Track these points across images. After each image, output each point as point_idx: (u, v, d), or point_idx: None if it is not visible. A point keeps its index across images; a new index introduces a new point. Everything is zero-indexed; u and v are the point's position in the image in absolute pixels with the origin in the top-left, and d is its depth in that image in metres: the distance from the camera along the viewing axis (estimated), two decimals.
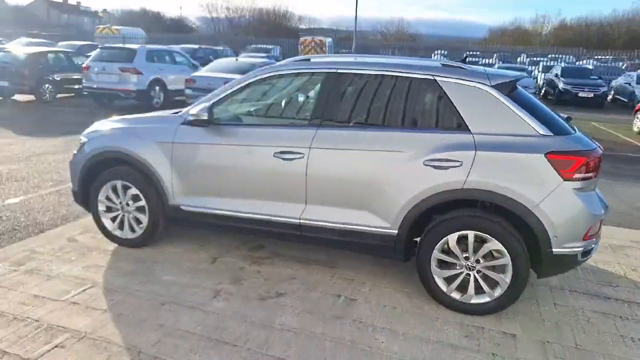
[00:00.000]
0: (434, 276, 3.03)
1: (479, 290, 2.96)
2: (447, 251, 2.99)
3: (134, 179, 3.64)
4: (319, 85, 3.29)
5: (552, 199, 2.72)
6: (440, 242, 2.96)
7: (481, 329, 2.87)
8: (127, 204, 3.75)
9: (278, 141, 3.23)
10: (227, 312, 2.96)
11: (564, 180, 2.72)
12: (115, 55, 11.95)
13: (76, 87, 13.36)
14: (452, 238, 2.93)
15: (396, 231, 3.04)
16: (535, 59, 35.10)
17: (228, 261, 3.67)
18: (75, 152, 3.91)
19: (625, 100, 17.88)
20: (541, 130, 2.82)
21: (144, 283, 3.27)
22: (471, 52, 40.54)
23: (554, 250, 2.77)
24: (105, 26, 30.47)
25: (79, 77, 12.91)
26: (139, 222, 3.76)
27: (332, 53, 27.29)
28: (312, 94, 3.43)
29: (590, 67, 22.09)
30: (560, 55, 39.00)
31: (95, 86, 11.84)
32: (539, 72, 22.97)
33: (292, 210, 3.27)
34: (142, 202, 3.67)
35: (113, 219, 3.84)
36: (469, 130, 2.89)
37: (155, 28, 47.32)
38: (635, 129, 11.73)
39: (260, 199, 3.34)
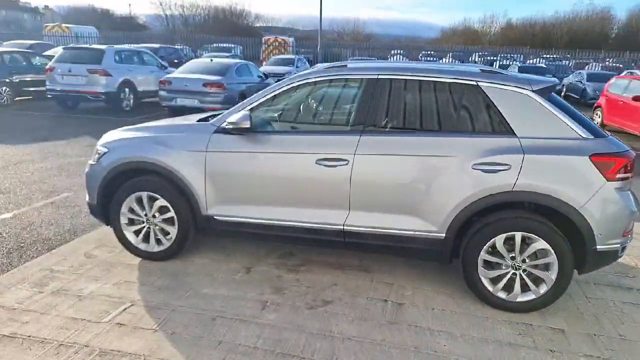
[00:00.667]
0: (481, 277, 3.11)
1: (524, 289, 3.06)
2: (493, 252, 3.07)
3: (162, 189, 3.50)
4: (359, 91, 3.28)
5: (597, 199, 2.86)
6: (488, 243, 3.03)
7: (530, 326, 2.98)
8: (154, 216, 3.59)
9: (320, 148, 3.19)
10: (281, 323, 2.90)
11: (607, 181, 2.86)
12: (81, 56, 11.38)
13: (35, 89, 12.61)
14: (500, 239, 3.01)
15: (444, 234, 3.09)
16: (488, 58, 36.54)
17: (262, 270, 3.60)
18: (92, 162, 3.70)
19: (577, 97, 18.91)
20: (583, 133, 2.95)
21: (184, 298, 3.15)
22: (427, 52, 41.63)
23: (598, 247, 2.91)
24: (55, 24, 28.90)
25: (39, 78, 12.20)
26: (166, 234, 3.62)
27: (294, 53, 27.23)
28: (351, 100, 3.41)
29: (544, 65, 23.22)
30: (512, 55, 40.70)
31: (60, 89, 11.21)
32: None
33: (335, 217, 3.25)
34: (171, 214, 3.53)
35: (137, 232, 3.67)
36: (515, 134, 2.98)
37: (105, 26, 45.35)
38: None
39: (302, 206, 3.30)
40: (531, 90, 3.02)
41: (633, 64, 29.12)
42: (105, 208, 3.69)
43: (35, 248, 3.90)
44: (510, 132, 2.99)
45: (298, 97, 3.50)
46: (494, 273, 3.10)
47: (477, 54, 42.75)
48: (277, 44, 29.90)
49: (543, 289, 3.04)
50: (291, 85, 3.36)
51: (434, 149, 3.05)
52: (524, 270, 3.05)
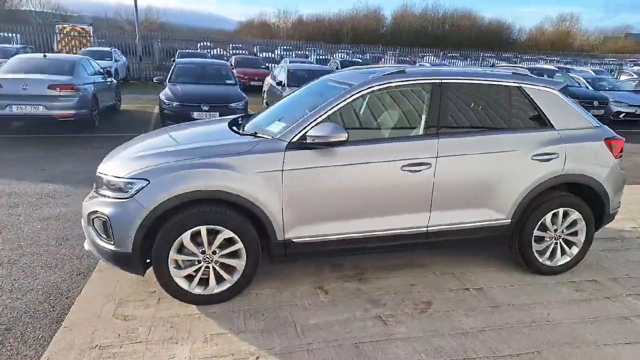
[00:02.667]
0: (534, 251, 3.64)
1: (562, 253, 3.73)
2: (541, 228, 3.62)
3: (227, 220, 3.01)
4: (426, 95, 3.39)
5: (611, 174, 3.66)
6: (540, 222, 3.57)
7: (575, 283, 3.65)
8: (214, 252, 3.06)
9: (404, 154, 3.23)
10: (415, 332, 2.91)
11: (615, 159, 3.68)
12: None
13: None
14: (548, 216, 3.58)
15: (510, 220, 3.50)
16: (291, 52, 38.44)
17: (337, 287, 3.45)
18: (122, 198, 2.92)
19: None
20: (594, 123, 3.71)
21: (302, 333, 2.85)
22: (235, 45, 41.66)
23: (611, 210, 3.74)
24: None
25: None
26: (230, 270, 3.13)
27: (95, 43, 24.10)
28: (415, 104, 3.47)
29: (359, 60, 25.91)
30: (312, 49, 43.79)
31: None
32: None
33: (419, 220, 3.35)
34: (237, 246, 3.07)
35: (189, 277, 3.07)
36: (554, 128, 3.56)
37: None
38: None
39: (387, 214, 3.28)
40: (557, 90, 3.64)
41: (418, 60, 34.95)
42: (144, 256, 2.98)
43: (46, 322, 2.88)
44: (550, 126, 3.56)
45: (364, 104, 3.41)
46: (542, 246, 3.67)
47: (281, 47, 44.80)
48: (75, 33, 25.87)
49: (575, 251, 3.74)
50: (360, 93, 3.26)
51: (501, 145, 3.41)
52: (563, 239, 3.69)
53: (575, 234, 3.71)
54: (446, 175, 3.30)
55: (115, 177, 3.00)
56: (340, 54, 36.87)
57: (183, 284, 3.06)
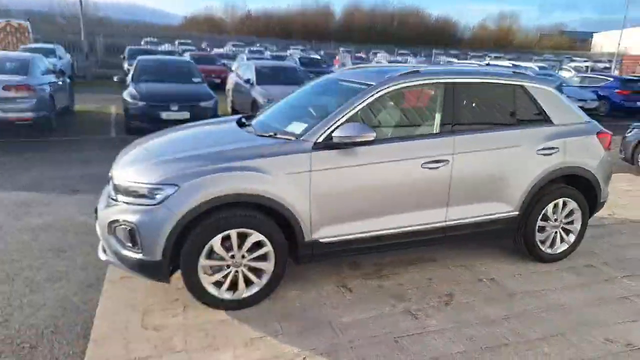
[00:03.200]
0: (537, 241, 3.87)
1: (562, 241, 3.98)
2: (543, 219, 3.85)
3: (255, 222, 2.98)
4: (440, 94, 3.50)
5: (601, 165, 3.95)
6: (542, 212, 3.80)
7: (574, 268, 3.91)
8: (243, 256, 3.02)
9: (424, 152, 3.32)
10: (446, 324, 3.02)
11: (605, 150, 3.97)
12: None
13: None
14: (550, 207, 3.82)
15: (517, 212, 3.70)
16: (247, 48, 37.92)
17: (359, 284, 3.51)
18: (150, 205, 2.82)
19: None
20: (585, 118, 3.98)
21: (339, 332, 2.88)
22: (182, 41, 40.47)
23: (601, 199, 4.03)
24: None
25: None
26: (258, 273, 3.11)
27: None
28: (430, 102, 3.57)
29: (319, 57, 25.97)
30: (264, 45, 43.33)
31: None
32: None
33: (437, 215, 3.46)
34: (266, 248, 3.05)
35: (217, 283, 3.02)
36: (553, 123, 3.79)
37: None
38: None
39: (407, 211, 3.37)
40: (553, 87, 3.87)
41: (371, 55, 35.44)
42: (172, 263, 2.90)
43: (58, 341, 2.73)
44: (550, 122, 3.78)
45: (382, 104, 3.46)
46: (544, 235, 3.90)
47: (231, 43, 44.08)
48: (10, 29, 24.16)
49: (572, 238, 4.01)
50: (380, 93, 3.31)
51: (509, 141, 3.59)
52: (562, 228, 3.95)
53: (572, 222, 3.97)
54: (462, 171, 3.44)
55: (140, 183, 2.89)
56: (293, 50, 36.74)
57: (212, 289, 3.01)
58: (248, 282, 3.10)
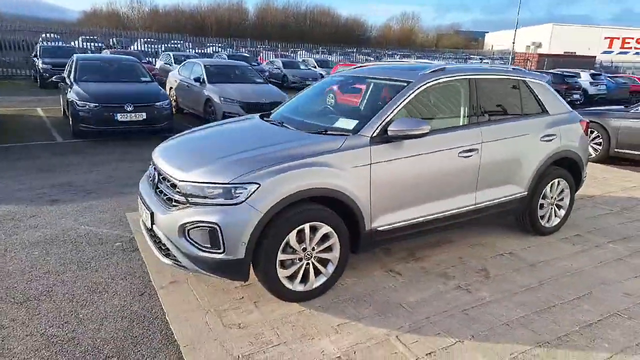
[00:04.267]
0: (539, 217, 4.41)
1: (555, 216, 4.56)
2: (544, 197, 4.40)
3: (325, 215, 3.11)
4: (465, 88, 3.84)
5: (583, 147, 4.59)
6: (542, 192, 4.34)
7: (567, 239, 4.51)
8: (313, 248, 3.14)
9: (459, 142, 3.66)
10: (496, 295, 3.38)
11: (585, 135, 4.62)
12: None
13: None
14: (548, 187, 4.37)
15: (526, 192, 4.19)
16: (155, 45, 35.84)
17: (401, 269, 3.76)
18: (232, 204, 2.82)
19: (279, 82, 22.25)
20: (568, 108, 4.59)
21: (412, 309, 3.11)
22: (88, 38, 37.62)
23: (583, 176, 4.68)
24: None
25: None
26: (325, 264, 3.24)
27: None
28: (455, 96, 3.88)
29: (247, 55, 25.60)
30: (180, 42, 41.69)
31: None
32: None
33: (469, 199, 3.82)
34: (332, 240, 3.19)
35: (291, 276, 3.11)
36: (549, 113, 4.33)
37: None
38: None
39: (446, 197, 3.68)
40: (545, 81, 4.42)
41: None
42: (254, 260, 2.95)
43: (143, 352, 2.65)
44: (547, 112, 4.32)
45: (420, 99, 3.71)
46: (543, 212, 4.45)
47: (141, 39, 41.86)
48: None
49: (563, 213, 4.61)
50: (420, 89, 3.57)
51: (521, 130, 4.05)
52: (555, 204, 4.53)
53: (562, 199, 4.57)
54: (487, 158, 3.83)
55: (216, 183, 2.88)
56: (213, 48, 35.79)
57: (287, 283, 3.08)
58: (317, 273, 3.21)
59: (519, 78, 4.23)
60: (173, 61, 19.59)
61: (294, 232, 3.00)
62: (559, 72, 19.51)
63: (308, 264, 3.15)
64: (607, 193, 6.15)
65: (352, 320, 2.99)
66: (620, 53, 60.33)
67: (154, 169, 3.46)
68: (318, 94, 4.53)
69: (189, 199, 2.94)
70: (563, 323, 3.04)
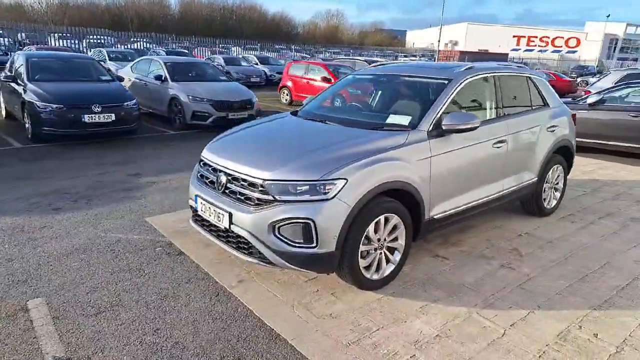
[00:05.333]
0: (543, 200, 4.93)
1: (550, 200, 5.12)
2: (547, 182, 4.93)
3: (396, 207, 3.32)
4: (489, 85, 4.20)
5: (573, 135, 5.19)
6: (547, 177, 4.87)
7: (564, 217, 5.09)
8: (385, 239, 3.34)
9: (493, 134, 4.02)
10: (533, 270, 3.80)
11: (574, 125, 5.22)
12: None
13: None
14: (550, 173, 4.92)
15: (536, 178, 4.68)
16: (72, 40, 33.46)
17: (445, 253, 4.06)
18: (324, 200, 2.93)
19: None
20: (561, 101, 5.16)
21: (481, 292, 3.42)
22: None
23: (573, 164, 5.30)
24: None
25: None
26: (392, 253, 3.44)
27: None
28: (484, 93, 4.21)
29: (186, 50, 24.67)
30: (102, 36, 39.26)
31: None
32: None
33: (499, 186, 4.22)
34: (401, 229, 3.41)
35: (367, 266, 3.28)
36: (549, 107, 4.86)
37: None
38: (284, 100, 15.54)
39: (484, 184, 4.03)
40: (543, 78, 4.94)
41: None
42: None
43: (262, 351, 2.70)
44: (548, 105, 4.84)
45: (459, 95, 3.99)
46: (545, 195, 4.98)
47: (56, 34, 38.91)
48: None
49: (558, 195, 5.19)
50: (461, 86, 3.87)
51: (534, 122, 4.52)
52: (553, 188, 5.09)
53: (558, 183, 5.14)
54: (512, 148, 4.24)
55: (308, 180, 2.97)
56: (139, 43, 34.07)
57: (365, 272, 3.25)
58: (387, 262, 3.40)
59: (526, 75, 4.71)
60: (107, 58, 18.54)
61: (373, 223, 3.16)
62: None
63: (381, 253, 3.33)
64: (573, 177, 6.90)
65: (430, 302, 3.23)
66: (527, 50, 66.06)
67: (216, 169, 3.44)
68: (364, 92, 4.70)
69: (277, 196, 3.00)
70: (602, 289, 3.50)
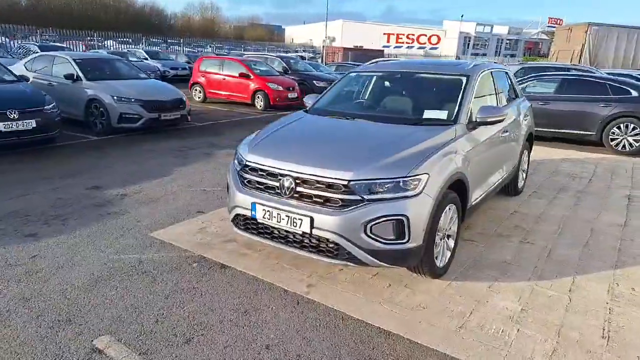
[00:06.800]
0: (519, 180, 5.57)
1: (520, 180, 5.82)
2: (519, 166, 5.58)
3: (454, 196, 3.53)
4: (490, 80, 4.59)
5: (533, 121, 5.94)
6: (521, 160, 5.52)
7: (531, 195, 5.81)
8: (446, 228, 3.54)
9: (501, 124, 4.44)
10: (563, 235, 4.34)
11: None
12: None
13: None
14: (523, 157, 5.57)
15: (517, 162, 5.28)
16: None
17: (471, 235, 4.40)
18: (412, 195, 3.01)
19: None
20: (521, 93, 5.86)
21: (516, 262, 3.80)
22: None
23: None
24: None
25: None
26: (448, 240, 3.66)
27: None
28: (489, 87, 4.55)
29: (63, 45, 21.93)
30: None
31: None
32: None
33: (502, 171, 4.68)
34: (455, 218, 3.63)
35: (436, 256, 3.45)
36: (519, 97, 5.49)
37: None
38: (197, 98, 14.81)
39: (496, 170, 4.45)
40: (510, 71, 5.56)
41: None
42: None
43: (389, 346, 2.71)
44: (518, 97, 5.47)
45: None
46: (519, 177, 5.63)
47: None
48: None
49: (524, 176, 5.90)
50: (477, 80, 4.18)
51: (518, 111, 5.10)
52: (523, 170, 5.78)
53: (524, 165, 5.84)
54: (509, 136, 4.73)
55: (396, 177, 3.01)
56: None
57: (436, 262, 3.41)
58: (449, 249, 3.60)
59: (505, 70, 5.25)
60: None
61: (443, 214, 3.33)
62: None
63: (444, 242, 3.51)
64: None
65: (493, 281, 3.51)
66: (396, 47, 71.38)
67: (274, 174, 3.27)
68: (353, 89, 4.75)
69: (366, 196, 2.99)
70: (605, 250, 4.13)
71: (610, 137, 8.74)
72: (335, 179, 3.05)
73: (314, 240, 3.14)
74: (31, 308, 3.00)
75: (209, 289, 3.30)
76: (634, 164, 7.92)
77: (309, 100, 4.69)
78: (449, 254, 3.62)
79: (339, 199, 3.04)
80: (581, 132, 9.02)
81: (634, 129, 8.51)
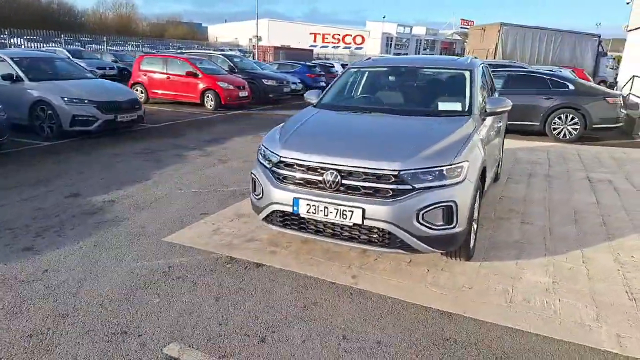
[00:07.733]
0: (499, 168, 6.00)
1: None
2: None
3: (480, 184, 3.76)
4: (484, 75, 4.90)
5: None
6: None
7: (508, 180, 6.28)
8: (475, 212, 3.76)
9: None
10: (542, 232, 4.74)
11: None
12: None
13: None
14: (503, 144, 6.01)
15: (501, 154, 5.68)
16: None
17: (482, 219, 4.67)
18: (457, 183, 3.17)
19: None
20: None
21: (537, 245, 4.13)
22: None
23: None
24: None
25: None
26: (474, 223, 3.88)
27: None
28: (485, 80, 4.84)
29: None
30: None
31: None
32: None
33: (497, 157, 5.02)
34: (477, 203, 3.86)
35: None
36: (495, 90, 5.90)
37: None
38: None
39: (497, 157, 4.79)
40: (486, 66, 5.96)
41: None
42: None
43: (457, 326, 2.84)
44: (495, 90, 5.88)
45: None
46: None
47: None
48: None
49: (500, 163, 6.35)
50: (479, 74, 4.47)
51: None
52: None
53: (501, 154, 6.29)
54: (500, 126, 5.08)
55: (443, 165, 3.15)
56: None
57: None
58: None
59: (486, 65, 5.61)
60: None
61: (477, 199, 3.54)
62: (321, 63, 22.71)
63: (472, 225, 3.72)
64: None
65: (516, 259, 3.78)
66: (323, 47, 72.40)
67: (315, 168, 3.28)
68: (357, 84, 4.84)
69: (416, 185, 3.10)
70: (593, 226, 4.59)
71: (552, 126, 9.61)
72: (386, 169, 3.12)
73: (364, 231, 3.19)
74: (74, 324, 2.76)
75: (256, 288, 3.23)
76: (578, 150, 8.79)
77: (311, 96, 4.69)
78: (473, 236, 3.84)
79: (390, 189, 3.11)
80: (527, 123, 9.81)
81: (572, 119, 9.42)
